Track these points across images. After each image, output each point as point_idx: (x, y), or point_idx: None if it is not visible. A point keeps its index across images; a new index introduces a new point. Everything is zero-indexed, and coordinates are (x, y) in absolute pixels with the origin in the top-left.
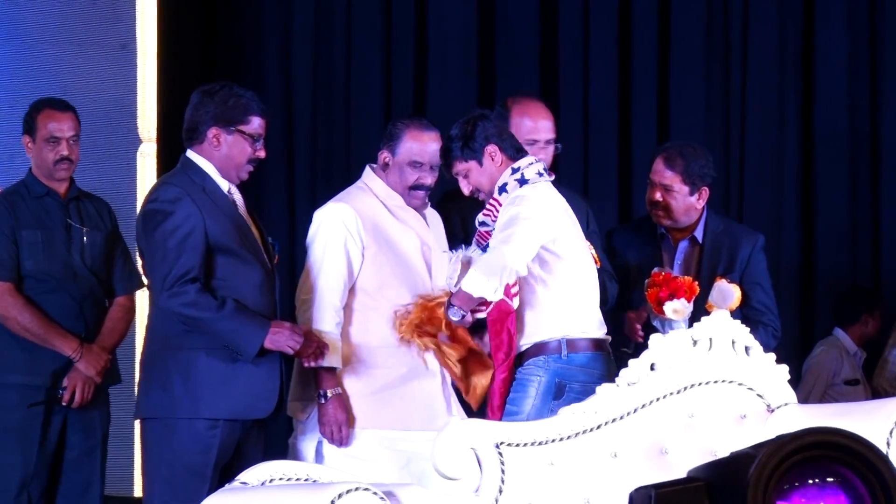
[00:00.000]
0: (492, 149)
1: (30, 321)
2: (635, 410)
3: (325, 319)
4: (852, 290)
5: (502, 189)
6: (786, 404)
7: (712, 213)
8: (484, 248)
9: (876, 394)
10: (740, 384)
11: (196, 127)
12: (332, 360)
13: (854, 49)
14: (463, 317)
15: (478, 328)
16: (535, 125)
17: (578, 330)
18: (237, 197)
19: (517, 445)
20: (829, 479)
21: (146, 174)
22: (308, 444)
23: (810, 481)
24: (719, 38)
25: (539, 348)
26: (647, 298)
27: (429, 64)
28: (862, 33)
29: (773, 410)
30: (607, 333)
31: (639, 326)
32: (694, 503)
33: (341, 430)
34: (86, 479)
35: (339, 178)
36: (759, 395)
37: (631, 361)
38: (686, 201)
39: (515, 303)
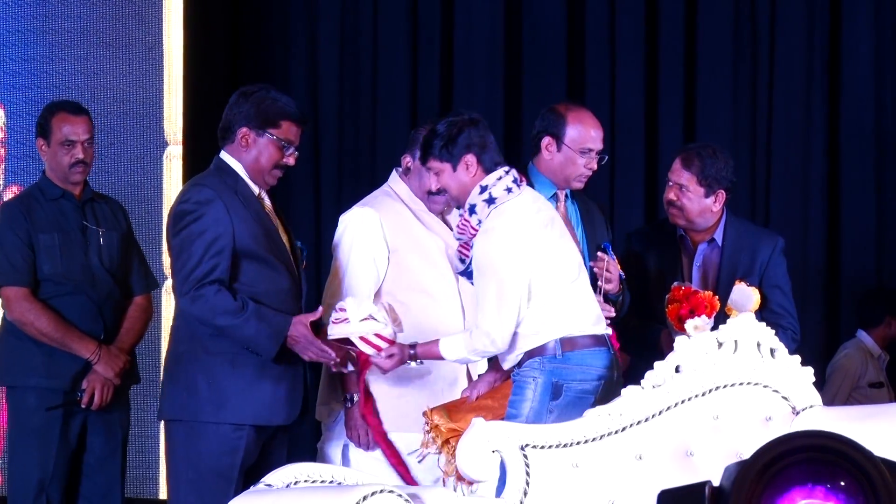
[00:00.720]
0: (470, 159)
1: (47, 325)
2: (660, 412)
3: None
4: (876, 291)
5: (472, 210)
6: (811, 406)
7: (732, 216)
8: (464, 262)
9: None
10: (765, 386)
11: (229, 126)
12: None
13: (881, 49)
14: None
15: None
16: (593, 135)
17: (573, 328)
18: (266, 200)
19: (542, 447)
20: (819, 483)
21: (172, 176)
22: (335, 448)
23: (801, 485)
24: (746, 39)
25: (534, 351)
26: (668, 316)
27: (454, 66)
28: (889, 33)
29: (798, 413)
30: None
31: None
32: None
33: (367, 433)
34: (107, 482)
35: (364, 181)
36: (784, 398)
37: (656, 364)
38: (701, 203)
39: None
